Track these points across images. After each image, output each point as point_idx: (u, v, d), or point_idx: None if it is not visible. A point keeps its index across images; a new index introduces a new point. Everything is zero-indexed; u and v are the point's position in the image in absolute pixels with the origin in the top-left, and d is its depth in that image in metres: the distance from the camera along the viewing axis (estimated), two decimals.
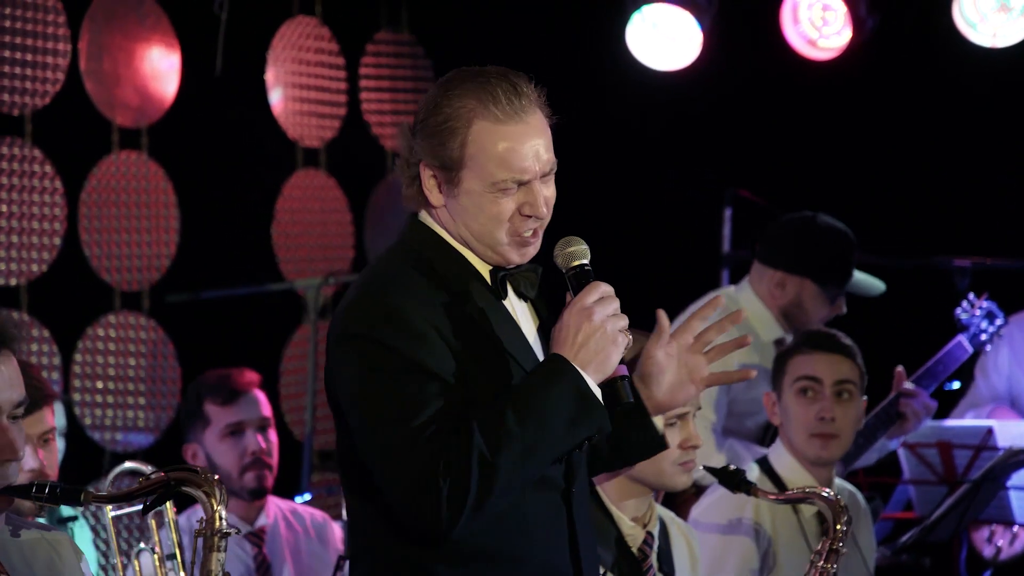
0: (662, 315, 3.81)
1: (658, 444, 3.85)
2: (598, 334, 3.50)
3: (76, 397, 7.37)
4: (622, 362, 3.57)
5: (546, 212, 3.60)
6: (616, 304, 3.55)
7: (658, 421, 3.87)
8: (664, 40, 7.81)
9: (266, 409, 6.04)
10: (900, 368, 6.38)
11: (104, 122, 7.50)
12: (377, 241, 8.56)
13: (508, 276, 3.65)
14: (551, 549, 3.60)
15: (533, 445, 3.46)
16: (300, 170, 8.33)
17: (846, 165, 8.52)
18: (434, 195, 3.62)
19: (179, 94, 7.64)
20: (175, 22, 7.64)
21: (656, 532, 4.70)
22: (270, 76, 8.14)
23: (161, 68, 7.62)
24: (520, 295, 3.68)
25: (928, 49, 8.18)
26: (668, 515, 4.84)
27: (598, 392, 3.51)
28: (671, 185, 8.41)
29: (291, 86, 8.21)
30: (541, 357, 3.66)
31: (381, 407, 3.50)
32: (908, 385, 6.36)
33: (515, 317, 3.65)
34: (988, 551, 6.86)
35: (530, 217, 3.58)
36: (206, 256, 7.77)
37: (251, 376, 6.07)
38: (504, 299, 3.65)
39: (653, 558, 4.64)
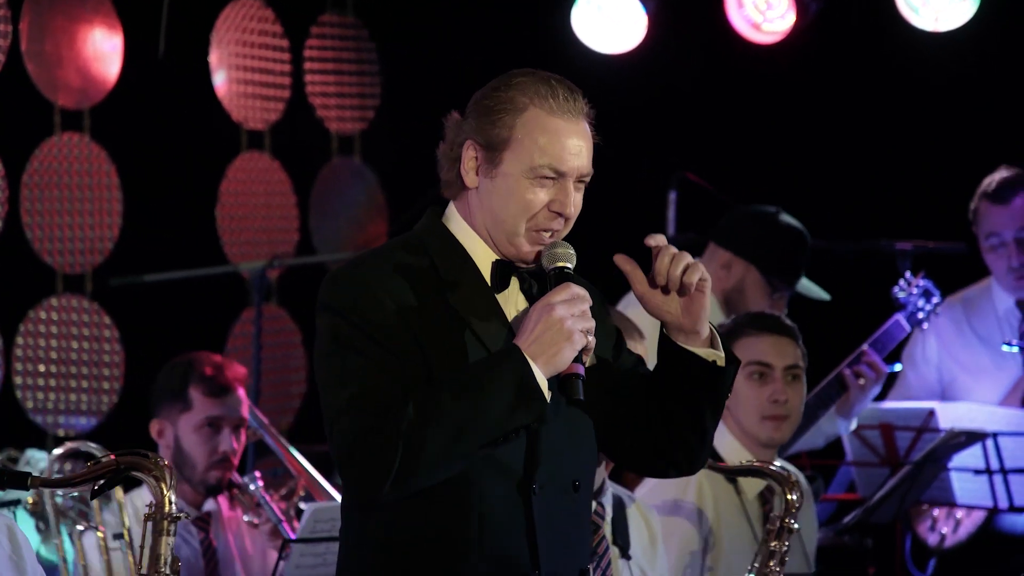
0: (619, 259, 3.70)
1: (724, 364, 3.67)
2: (554, 328, 3.54)
3: (18, 380, 7.33)
4: (579, 362, 3.56)
5: (573, 213, 3.68)
6: (584, 307, 3.58)
7: (707, 353, 3.65)
8: (609, 23, 7.83)
9: (245, 410, 6.01)
10: (864, 346, 6.54)
11: (46, 104, 7.45)
12: (322, 224, 8.53)
13: (515, 271, 3.69)
14: (505, 536, 3.61)
15: (465, 424, 3.51)
16: (244, 153, 8.29)
17: (790, 148, 8.55)
18: (470, 176, 3.68)
19: (122, 76, 7.59)
20: (117, 3, 7.60)
21: (607, 504, 4.72)
22: (214, 58, 8.10)
23: (104, 49, 7.57)
24: (527, 293, 3.70)
25: (871, 33, 8.22)
26: (627, 494, 4.86)
27: (543, 383, 3.55)
28: (616, 168, 8.40)
29: (235, 68, 8.18)
30: None
31: (332, 375, 3.60)
32: (865, 347, 6.45)
33: (508, 311, 3.68)
34: (932, 539, 6.90)
35: (557, 215, 3.65)
36: (149, 239, 7.73)
37: (241, 371, 6.02)
38: (501, 292, 3.69)
39: (606, 529, 4.66)
